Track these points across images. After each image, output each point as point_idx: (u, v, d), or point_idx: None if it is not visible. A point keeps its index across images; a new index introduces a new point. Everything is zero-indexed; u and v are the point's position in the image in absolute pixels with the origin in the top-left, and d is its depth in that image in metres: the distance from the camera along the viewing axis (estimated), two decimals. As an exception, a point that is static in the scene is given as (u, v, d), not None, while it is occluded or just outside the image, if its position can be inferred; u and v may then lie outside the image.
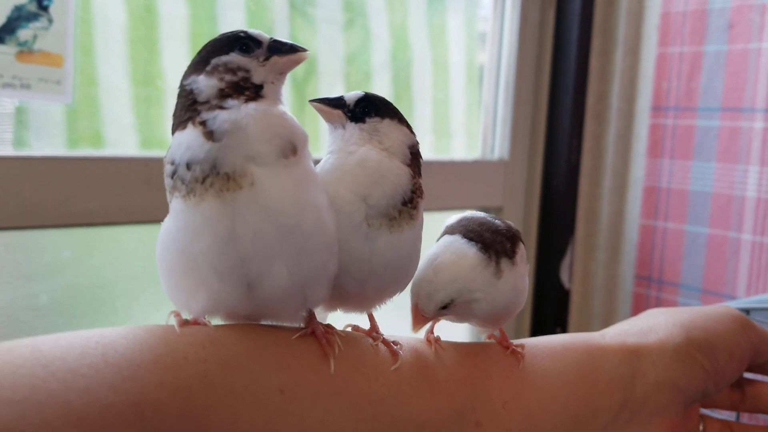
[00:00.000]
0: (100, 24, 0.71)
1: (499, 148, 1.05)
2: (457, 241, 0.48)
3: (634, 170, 1.02)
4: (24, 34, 0.63)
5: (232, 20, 0.81)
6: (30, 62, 0.64)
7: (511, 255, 0.49)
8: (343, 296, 0.45)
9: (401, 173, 0.44)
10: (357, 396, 0.41)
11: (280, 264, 0.39)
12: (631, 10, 1.01)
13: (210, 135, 0.39)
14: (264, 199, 0.38)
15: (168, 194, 0.40)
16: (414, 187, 0.45)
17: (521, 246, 0.50)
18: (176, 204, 0.39)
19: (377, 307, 0.47)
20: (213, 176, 0.38)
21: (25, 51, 0.63)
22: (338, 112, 0.47)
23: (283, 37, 0.86)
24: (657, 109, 0.98)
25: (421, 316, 0.47)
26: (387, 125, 0.46)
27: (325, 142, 0.90)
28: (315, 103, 0.47)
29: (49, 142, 0.70)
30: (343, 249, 0.43)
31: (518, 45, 1.04)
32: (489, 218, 0.51)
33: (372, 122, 0.46)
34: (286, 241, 0.39)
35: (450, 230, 0.49)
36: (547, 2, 1.05)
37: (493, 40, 1.05)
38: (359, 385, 0.41)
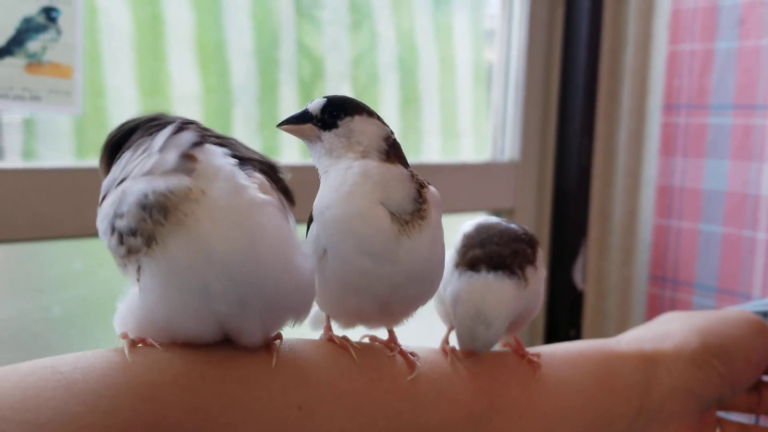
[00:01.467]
0: (106, 32, 0.72)
1: (509, 150, 1.05)
2: (492, 283, 0.47)
3: (647, 169, 1.02)
4: (33, 46, 0.63)
5: (238, 25, 0.81)
6: (39, 74, 0.64)
7: (533, 261, 0.49)
8: (366, 315, 0.45)
9: (402, 175, 0.44)
10: (374, 411, 0.41)
11: (257, 312, 0.37)
12: (641, 8, 1.01)
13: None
14: (213, 237, 0.35)
15: (128, 267, 0.37)
16: (417, 184, 0.44)
17: (539, 250, 0.50)
18: (142, 268, 0.37)
19: (402, 322, 0.46)
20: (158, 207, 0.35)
21: (35, 63, 0.64)
22: (308, 126, 0.45)
23: (290, 41, 0.87)
24: (669, 107, 0.98)
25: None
26: (359, 122, 0.45)
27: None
28: (283, 126, 0.46)
29: (57, 153, 0.70)
30: (367, 267, 0.42)
31: (527, 45, 1.03)
32: (505, 224, 0.51)
33: (344, 124, 0.45)
34: (257, 293, 0.37)
35: (471, 251, 0.49)
36: (555, 1, 1.05)
37: (501, 41, 1.05)
38: (377, 399, 0.41)
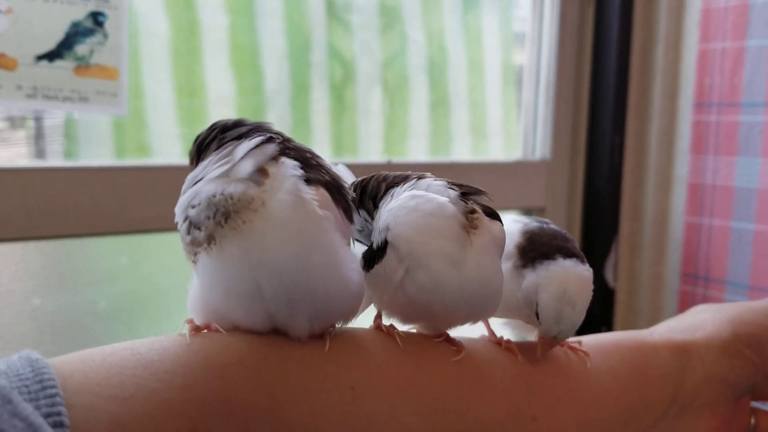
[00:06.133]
0: (145, 37, 0.74)
1: (540, 149, 1.06)
2: (575, 267, 0.48)
3: (678, 167, 1.02)
4: (81, 49, 0.66)
5: (272, 29, 0.82)
6: (87, 76, 0.66)
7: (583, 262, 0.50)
8: (423, 317, 0.46)
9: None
10: (421, 393, 0.43)
11: (305, 315, 0.40)
12: (672, 7, 1.01)
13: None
14: (267, 245, 0.38)
15: (190, 256, 0.41)
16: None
17: None
18: (201, 261, 0.40)
19: (455, 327, 0.47)
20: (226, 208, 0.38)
21: (83, 65, 0.66)
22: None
23: (321, 44, 0.88)
24: (700, 105, 0.98)
25: (555, 344, 0.49)
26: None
27: (365, 147, 0.92)
28: None
29: (97, 153, 0.72)
30: (435, 267, 0.43)
31: (558, 44, 1.04)
32: (547, 226, 0.51)
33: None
34: (306, 299, 0.39)
35: (530, 254, 0.49)
36: (586, 1, 1.05)
37: (532, 40, 1.05)
38: (423, 382, 0.43)
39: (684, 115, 1.01)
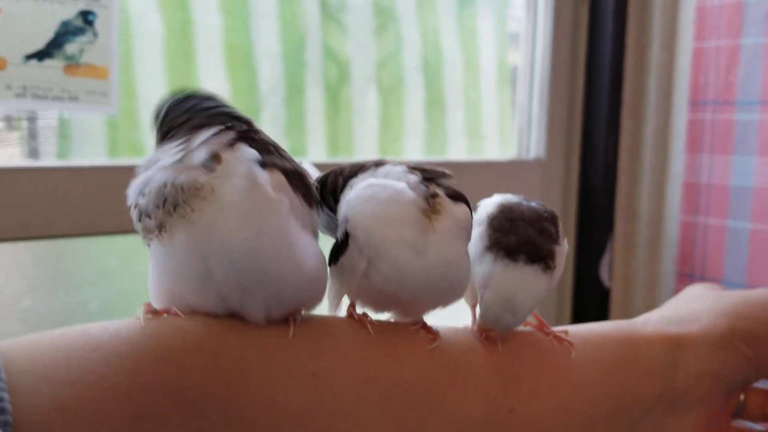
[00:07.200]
0: (139, 37, 0.73)
1: (534, 148, 1.05)
2: (528, 276, 0.46)
3: (673, 166, 1.02)
4: (71, 48, 0.65)
5: (266, 29, 0.82)
6: (77, 75, 0.66)
7: (557, 239, 0.49)
8: (392, 305, 0.45)
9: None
10: (391, 383, 0.41)
11: (259, 300, 0.39)
12: (666, 5, 1.01)
13: None
14: (217, 231, 0.37)
15: (145, 240, 0.40)
16: None
17: (560, 224, 0.50)
18: (154, 247, 0.40)
19: (428, 312, 0.46)
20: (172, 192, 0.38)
21: (72, 64, 0.66)
22: None
23: (316, 45, 0.88)
24: (695, 104, 0.97)
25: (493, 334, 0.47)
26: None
27: (360, 146, 0.91)
28: None
29: (90, 154, 0.72)
30: (396, 256, 0.42)
31: (552, 43, 1.03)
32: (525, 203, 0.50)
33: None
34: (258, 283, 0.38)
35: (505, 237, 0.47)
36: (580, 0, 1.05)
37: (526, 39, 1.05)
38: (393, 372, 0.42)
39: (679, 113, 1.00)
